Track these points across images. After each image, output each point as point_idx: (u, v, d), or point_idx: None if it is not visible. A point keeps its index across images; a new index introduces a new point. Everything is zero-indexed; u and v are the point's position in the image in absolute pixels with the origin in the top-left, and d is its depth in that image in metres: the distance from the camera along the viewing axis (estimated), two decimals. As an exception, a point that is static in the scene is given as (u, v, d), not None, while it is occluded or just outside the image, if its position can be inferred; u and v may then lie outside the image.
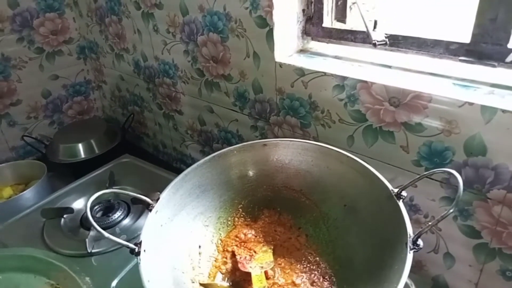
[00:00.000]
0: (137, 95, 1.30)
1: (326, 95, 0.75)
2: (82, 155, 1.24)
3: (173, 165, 1.32)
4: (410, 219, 0.54)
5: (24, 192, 1.00)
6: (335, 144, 0.77)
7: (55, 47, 1.35)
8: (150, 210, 0.60)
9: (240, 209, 0.73)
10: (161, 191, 0.89)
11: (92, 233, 0.81)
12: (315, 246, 0.68)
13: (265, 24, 0.78)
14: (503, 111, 0.54)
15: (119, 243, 0.54)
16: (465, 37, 0.63)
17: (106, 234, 0.53)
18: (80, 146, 1.25)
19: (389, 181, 0.60)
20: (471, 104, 0.57)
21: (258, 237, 0.70)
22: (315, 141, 0.82)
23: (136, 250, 0.54)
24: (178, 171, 1.15)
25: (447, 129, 0.61)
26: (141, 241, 0.55)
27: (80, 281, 0.70)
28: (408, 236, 0.49)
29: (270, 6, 0.75)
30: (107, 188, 0.97)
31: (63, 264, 0.73)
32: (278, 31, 0.78)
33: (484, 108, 0.56)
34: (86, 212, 0.52)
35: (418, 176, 0.55)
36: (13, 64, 1.27)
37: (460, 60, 0.65)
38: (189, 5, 0.91)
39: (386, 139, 0.70)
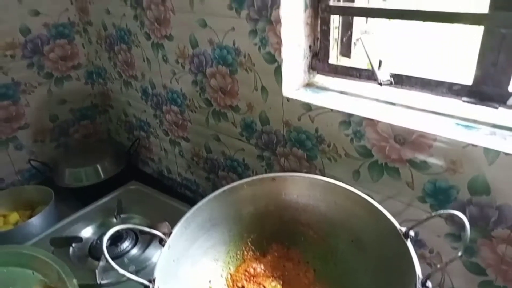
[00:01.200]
0: (143, 121, 1.32)
1: (332, 130, 0.77)
2: (88, 179, 1.25)
3: (178, 190, 1.34)
4: (415, 253, 0.55)
5: (32, 219, 1.01)
6: (341, 177, 0.79)
7: (64, 72, 1.38)
8: (163, 245, 0.62)
9: (249, 243, 0.74)
10: (169, 220, 0.90)
11: (101, 263, 0.82)
12: (323, 282, 0.69)
13: (274, 60, 0.80)
14: (506, 154, 0.57)
15: (134, 280, 0.55)
16: (468, 79, 0.66)
17: (122, 271, 0.54)
18: (86, 170, 1.26)
19: (394, 216, 0.62)
20: (474, 146, 0.59)
21: (267, 271, 0.71)
22: (321, 173, 0.84)
23: (151, 287, 0.55)
24: (182, 197, 1.18)
25: (452, 168, 0.63)
26: (155, 278, 0.56)
27: (68, 283, 0.73)
28: (417, 277, 0.51)
29: (279, 43, 0.78)
30: (115, 217, 0.99)
31: (57, 265, 0.77)
32: (286, 66, 0.80)
33: (487, 150, 0.58)
34: (103, 251, 0.53)
35: (427, 217, 0.57)
36: (23, 89, 1.29)
37: (463, 101, 0.67)
38: (199, 38, 0.94)
39: (391, 175, 0.72)
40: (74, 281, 0.73)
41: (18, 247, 0.85)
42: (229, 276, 0.71)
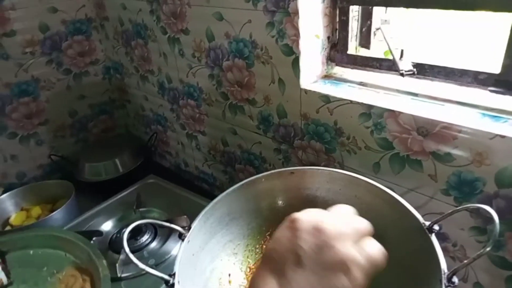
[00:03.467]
0: (160, 115, 1.33)
1: (352, 122, 0.76)
2: (107, 174, 1.27)
3: (195, 183, 1.34)
4: (440, 247, 0.54)
5: (54, 213, 1.03)
6: (360, 170, 0.78)
7: (82, 68, 1.39)
8: (182, 240, 0.62)
9: (268, 237, 0.74)
10: (187, 213, 0.91)
11: (122, 257, 0.83)
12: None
13: (291, 52, 0.79)
14: (536, 145, 0.54)
15: (155, 275, 0.55)
16: (495, 68, 0.64)
17: (142, 265, 0.54)
18: (105, 165, 1.28)
19: (416, 209, 0.60)
20: (502, 136, 0.57)
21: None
22: (340, 166, 0.82)
23: (171, 281, 0.55)
24: (199, 190, 1.18)
25: (478, 160, 0.61)
26: (174, 272, 0.56)
27: (98, 264, 0.78)
28: (443, 273, 0.49)
29: (297, 35, 0.76)
30: (134, 211, 0.99)
31: (88, 247, 0.83)
32: (303, 59, 0.79)
33: (516, 141, 0.56)
34: (123, 246, 0.54)
35: (451, 210, 0.55)
36: (42, 85, 1.31)
37: (490, 91, 0.65)
38: (215, 32, 0.93)
39: (413, 167, 0.70)
40: (104, 262, 0.77)
41: (52, 230, 0.92)
42: (248, 269, 0.71)
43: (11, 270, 0.84)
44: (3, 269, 0.82)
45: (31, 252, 0.89)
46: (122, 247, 0.56)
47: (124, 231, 0.55)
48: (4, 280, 0.81)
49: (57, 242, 0.88)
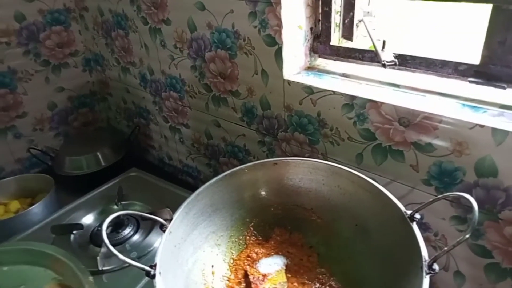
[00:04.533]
0: (143, 108, 1.31)
1: (335, 113, 0.76)
2: (88, 167, 1.24)
3: (179, 177, 1.33)
4: (421, 235, 0.54)
5: (33, 207, 1.00)
6: (343, 161, 0.78)
7: (61, 60, 1.36)
8: (164, 231, 0.61)
9: (252, 228, 0.74)
10: (169, 206, 0.90)
11: (103, 250, 0.81)
12: (327, 266, 0.68)
13: (274, 42, 0.78)
14: (514, 134, 0.55)
15: (135, 266, 0.54)
16: (474, 59, 0.64)
17: (122, 257, 0.53)
18: (86, 158, 1.25)
19: (398, 199, 0.61)
20: (481, 126, 0.58)
21: (270, 256, 0.71)
22: (323, 158, 0.82)
23: (152, 272, 0.54)
24: (183, 184, 1.17)
25: (458, 150, 0.62)
26: (155, 263, 0.55)
27: (83, 280, 0.71)
28: (423, 260, 0.50)
29: (279, 25, 0.76)
30: (116, 204, 0.98)
31: (70, 261, 0.75)
32: (286, 49, 0.78)
33: (495, 130, 0.57)
34: (102, 237, 0.53)
35: (432, 199, 0.56)
36: (19, 76, 1.27)
37: (469, 81, 0.66)
38: (197, 22, 0.92)
39: (395, 158, 0.71)
40: (90, 278, 0.71)
41: (26, 244, 0.83)
42: (231, 261, 0.70)
43: None
44: None
45: (5, 268, 0.81)
46: (103, 239, 0.55)
47: (102, 225, 0.54)
48: None
49: (34, 257, 0.79)
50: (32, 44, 1.27)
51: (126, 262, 0.54)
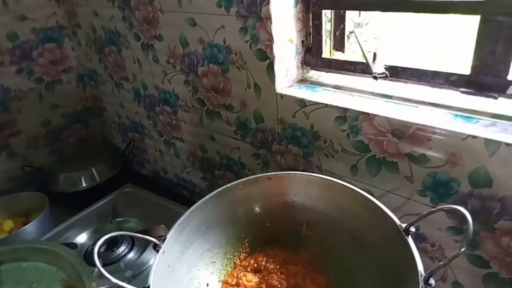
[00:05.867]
0: (137, 123, 1.31)
1: (328, 125, 0.76)
2: (84, 184, 1.24)
3: (174, 190, 1.32)
4: (417, 248, 0.54)
5: (26, 226, 0.99)
6: (338, 173, 0.78)
7: (54, 77, 1.35)
8: (157, 251, 0.60)
9: (247, 244, 0.73)
10: (165, 222, 0.89)
11: (97, 269, 0.80)
12: (324, 281, 0.67)
13: (266, 57, 0.78)
14: (507, 144, 0.55)
15: (128, 289, 0.53)
16: (465, 69, 0.64)
17: (114, 280, 0.52)
18: (81, 175, 1.24)
19: (393, 211, 0.60)
20: (474, 137, 0.58)
21: (266, 273, 0.70)
22: (318, 170, 0.82)
23: (145, 295, 0.53)
24: (179, 198, 1.16)
25: (452, 160, 0.62)
26: (149, 285, 0.54)
27: (87, 285, 0.73)
28: (419, 275, 0.49)
29: (270, 40, 0.76)
30: (110, 222, 0.97)
31: (81, 267, 0.78)
32: (278, 63, 0.79)
33: (487, 141, 0.57)
34: (94, 259, 0.52)
35: (427, 211, 0.55)
36: (13, 95, 1.27)
37: (461, 92, 0.66)
38: (189, 37, 0.92)
39: (390, 169, 0.70)
40: (94, 284, 0.73)
41: (46, 244, 0.87)
42: (227, 277, 0.69)
43: (2, 285, 0.81)
44: None
45: (24, 265, 0.86)
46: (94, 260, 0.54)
47: (95, 245, 0.54)
48: None
49: (50, 256, 0.83)
50: (25, 62, 1.27)
51: (118, 285, 0.53)
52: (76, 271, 0.77)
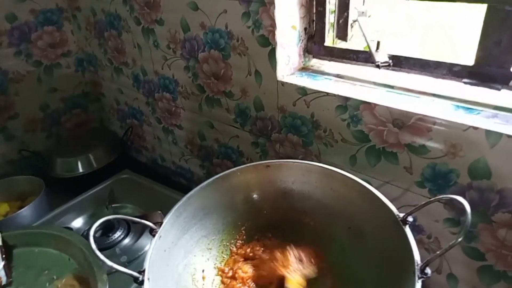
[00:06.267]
0: (136, 109, 1.30)
1: (328, 114, 0.75)
2: (81, 169, 1.23)
3: (172, 178, 1.32)
4: (414, 239, 0.53)
5: (22, 210, 0.98)
6: (337, 163, 0.77)
7: (53, 60, 1.34)
8: (154, 236, 0.60)
9: (244, 231, 0.73)
10: (162, 209, 0.89)
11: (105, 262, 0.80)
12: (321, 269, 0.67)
13: (268, 43, 0.77)
14: (508, 136, 0.54)
15: (123, 272, 0.53)
16: (469, 60, 0.64)
17: (109, 263, 0.52)
18: (79, 160, 1.24)
19: (391, 201, 0.60)
20: (475, 128, 0.57)
21: (261, 259, 0.69)
22: (317, 159, 0.81)
23: (140, 279, 0.53)
24: (177, 185, 1.15)
25: (452, 152, 0.61)
26: (144, 269, 0.54)
27: (98, 278, 0.71)
28: (416, 264, 0.49)
29: (273, 25, 0.75)
30: (106, 207, 0.96)
31: (92, 257, 0.75)
32: (280, 50, 0.78)
33: (488, 132, 0.56)
34: (89, 242, 0.51)
35: (425, 201, 0.55)
36: (11, 77, 1.25)
37: (464, 83, 0.65)
38: (190, 22, 0.91)
39: (389, 159, 0.70)
40: (104, 276, 0.71)
41: (59, 230, 0.86)
42: (223, 265, 0.69)
43: (14, 269, 0.80)
44: (4, 267, 0.78)
45: (36, 250, 0.85)
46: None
47: (91, 228, 0.53)
48: (4, 279, 0.77)
49: (63, 244, 0.82)
50: (24, 45, 1.25)
51: (114, 268, 0.52)
52: (87, 260, 0.75)
